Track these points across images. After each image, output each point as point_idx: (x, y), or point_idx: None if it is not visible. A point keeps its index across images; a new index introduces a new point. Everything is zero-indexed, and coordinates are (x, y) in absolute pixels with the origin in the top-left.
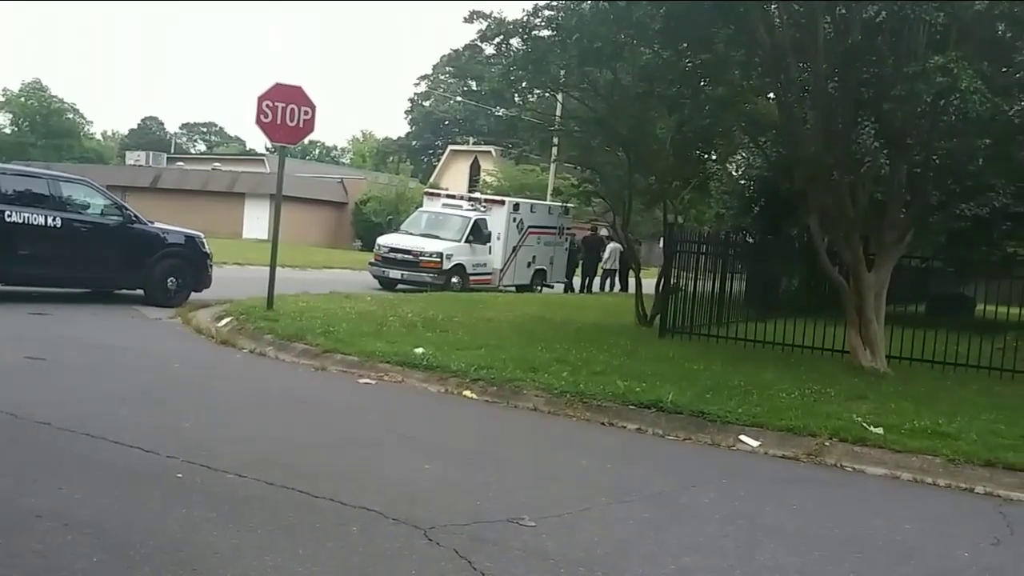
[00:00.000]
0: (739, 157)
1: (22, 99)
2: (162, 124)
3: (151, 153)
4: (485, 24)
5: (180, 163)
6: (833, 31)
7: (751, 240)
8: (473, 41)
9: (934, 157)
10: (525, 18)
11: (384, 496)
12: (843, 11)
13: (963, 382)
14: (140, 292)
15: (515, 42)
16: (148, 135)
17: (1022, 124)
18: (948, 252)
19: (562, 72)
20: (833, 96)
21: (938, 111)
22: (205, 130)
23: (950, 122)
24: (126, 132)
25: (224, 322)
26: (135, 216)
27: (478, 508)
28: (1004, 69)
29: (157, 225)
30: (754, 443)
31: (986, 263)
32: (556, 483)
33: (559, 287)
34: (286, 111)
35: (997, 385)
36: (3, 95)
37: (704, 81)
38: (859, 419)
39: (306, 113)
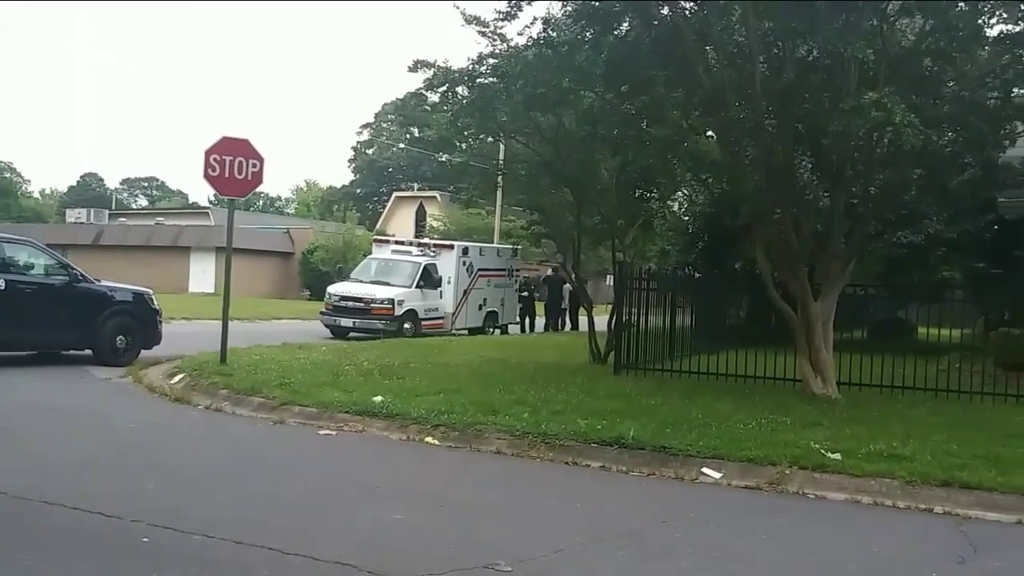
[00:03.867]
0: (680, 195)
1: None
2: (102, 180)
3: (92, 210)
4: (431, 72)
5: (122, 219)
6: (768, 70)
7: (697, 275)
8: (418, 90)
9: (871, 188)
10: (470, 66)
11: (357, 548)
12: (777, 51)
13: (912, 404)
14: (89, 352)
15: (461, 90)
16: (88, 191)
17: (952, 154)
18: (886, 279)
19: (505, 118)
20: (772, 133)
21: (873, 144)
22: (146, 184)
23: (884, 154)
24: (65, 189)
25: (177, 379)
26: (81, 275)
27: (452, 556)
28: (933, 102)
29: (104, 283)
30: (716, 475)
31: (923, 288)
32: (528, 526)
33: (514, 328)
34: (234, 164)
35: (945, 405)
36: None
37: (646, 122)
38: (817, 446)
39: (254, 165)
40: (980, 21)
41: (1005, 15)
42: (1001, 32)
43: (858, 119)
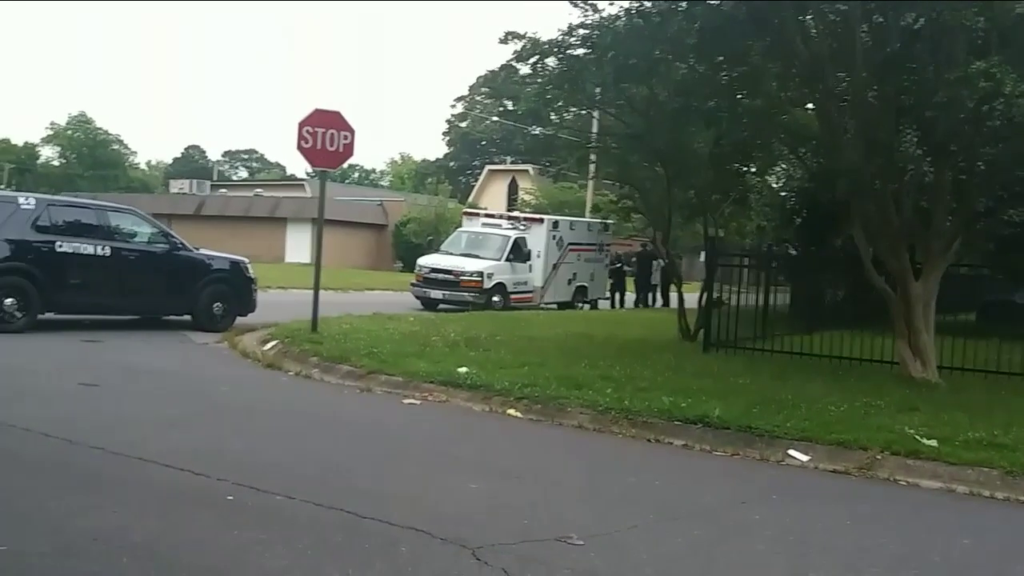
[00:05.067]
0: (778, 169)
1: (69, 132)
2: (204, 152)
3: (194, 181)
4: (520, 44)
5: (223, 190)
6: (871, 40)
7: (794, 252)
8: (509, 61)
9: (979, 163)
10: (560, 37)
11: (432, 516)
12: (880, 19)
13: (1018, 392)
14: (188, 318)
15: (551, 61)
16: (191, 163)
17: None
18: (997, 259)
19: (598, 90)
20: (873, 105)
21: (981, 116)
22: (246, 157)
23: (994, 127)
24: (170, 161)
25: (270, 345)
26: (181, 243)
27: (526, 527)
28: None
29: (203, 252)
30: (804, 458)
31: None
32: (603, 501)
33: (604, 303)
34: (326, 136)
35: None
36: (51, 128)
37: (741, 94)
38: (911, 431)
39: (345, 138)
40: None
41: None
42: None
43: (965, 90)
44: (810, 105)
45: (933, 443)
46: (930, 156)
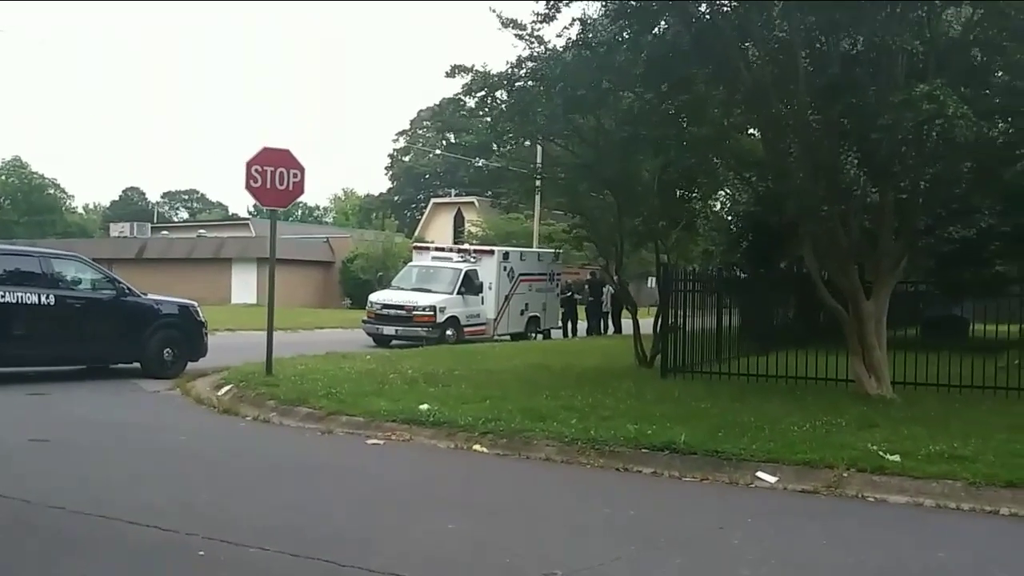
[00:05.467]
0: (723, 194)
1: (2, 177)
2: (143, 194)
3: (135, 224)
4: (469, 77)
5: (164, 232)
6: (812, 65)
7: (743, 275)
8: (456, 95)
9: (921, 182)
10: (509, 70)
11: (412, 559)
12: (821, 45)
13: (970, 403)
14: (137, 365)
15: (500, 94)
16: (130, 206)
17: (1005, 145)
18: (939, 275)
19: (546, 121)
20: (816, 129)
21: (923, 137)
22: (187, 197)
23: (934, 147)
24: (108, 204)
25: (224, 390)
26: (128, 289)
27: (508, 565)
28: (984, 92)
29: (150, 296)
30: (772, 479)
31: (976, 283)
32: (582, 534)
33: (557, 333)
34: (275, 175)
35: (1004, 404)
36: None
37: (687, 121)
38: (874, 448)
39: (295, 176)
40: None
41: None
42: None
43: (909, 112)
44: (754, 131)
45: (896, 458)
46: (873, 177)
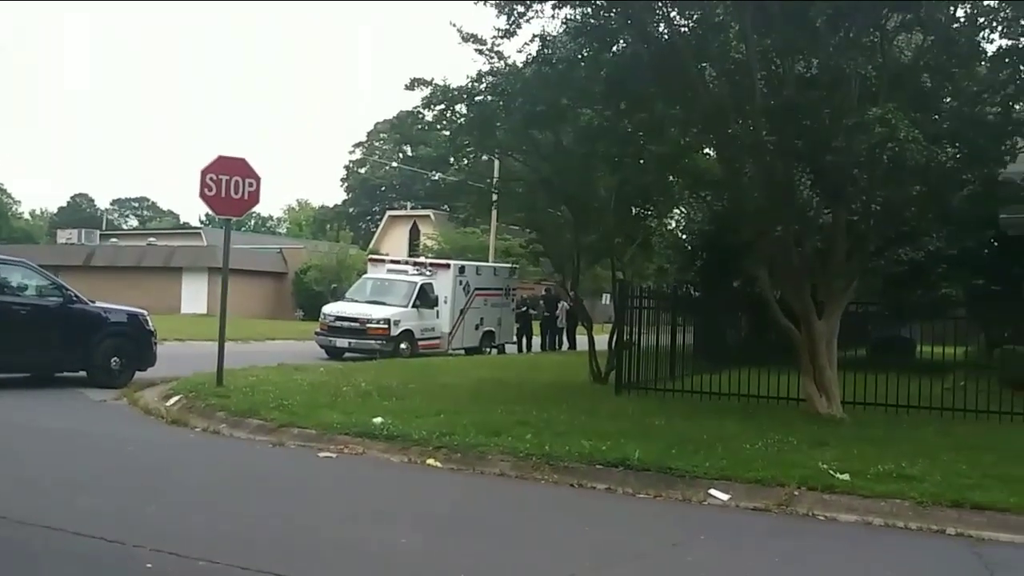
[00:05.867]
0: (678, 212)
1: None
2: (92, 201)
3: (83, 230)
4: (428, 91)
5: (113, 239)
6: (768, 86)
7: (697, 293)
8: (415, 108)
9: (872, 205)
10: (469, 84)
11: (368, 573)
12: (776, 67)
13: (917, 424)
14: (83, 374)
15: (459, 108)
16: (79, 212)
17: (953, 170)
18: (888, 296)
19: (505, 135)
20: (771, 150)
21: (875, 160)
22: (137, 205)
23: (886, 171)
24: (55, 210)
25: (173, 401)
26: (76, 296)
27: None
28: (933, 117)
29: (99, 304)
30: (724, 497)
31: (924, 305)
32: (536, 550)
33: (511, 348)
34: (230, 183)
35: (951, 424)
36: None
37: (645, 139)
38: (825, 466)
39: (251, 185)
40: (979, 36)
41: (1004, 30)
42: (1000, 47)
43: (861, 135)
44: (710, 150)
45: (846, 477)
46: (827, 199)
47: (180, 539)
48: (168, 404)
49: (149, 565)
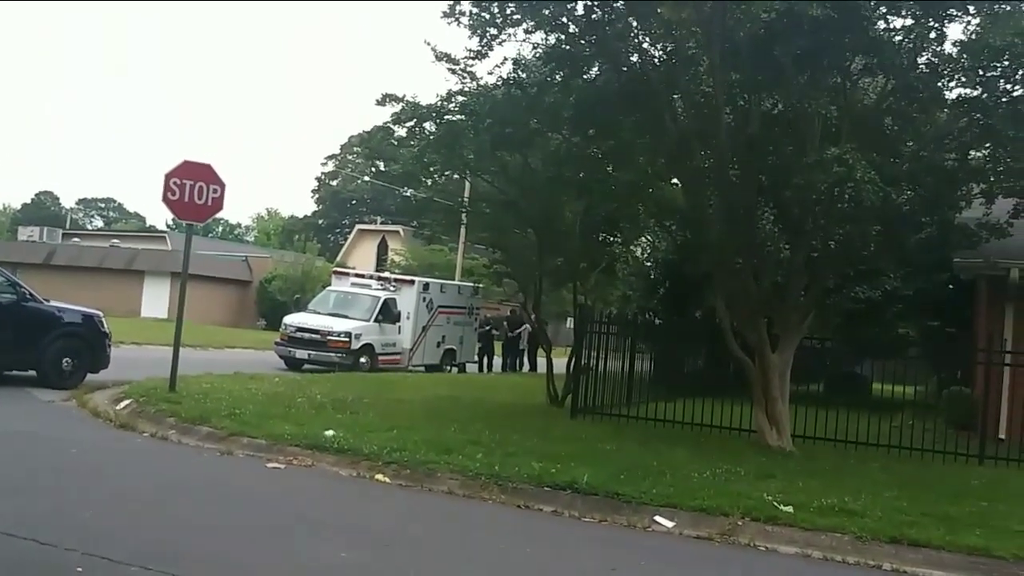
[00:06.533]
0: (643, 240)
1: None
2: (57, 199)
3: (45, 228)
4: (399, 107)
5: (76, 239)
6: (734, 121)
7: (658, 321)
8: (386, 123)
9: (830, 242)
10: (439, 103)
11: None
12: (743, 103)
13: (864, 460)
14: (32, 373)
15: (428, 125)
16: (42, 210)
17: (910, 212)
18: (843, 333)
19: (473, 155)
20: (735, 183)
21: (834, 198)
22: (103, 206)
23: (844, 209)
24: (18, 207)
25: (123, 404)
26: (29, 294)
27: None
28: (893, 160)
29: (53, 304)
30: (669, 524)
31: (879, 344)
32: (476, 569)
33: (472, 367)
34: (194, 189)
35: (896, 462)
36: None
37: (612, 167)
38: (769, 498)
39: (215, 191)
40: (939, 84)
41: (963, 79)
42: (959, 95)
43: (820, 173)
44: (676, 180)
45: (789, 509)
46: (786, 234)
47: (114, 544)
48: (118, 408)
49: (79, 569)
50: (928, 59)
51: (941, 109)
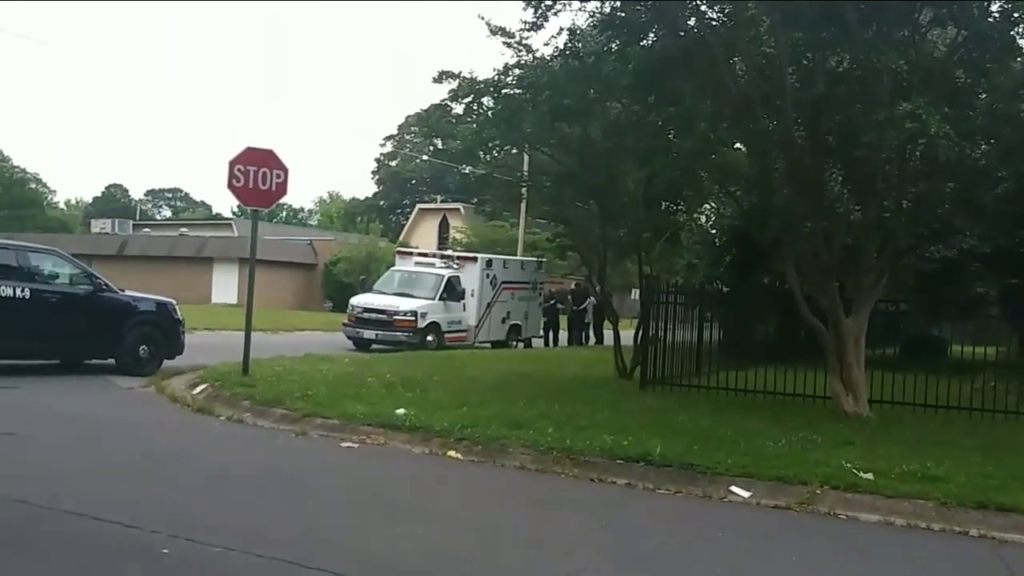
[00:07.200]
0: (708, 208)
1: None
2: (127, 191)
3: (116, 220)
4: (456, 83)
5: (147, 229)
6: (798, 81)
7: (725, 289)
8: (443, 101)
9: (903, 201)
10: (496, 77)
11: (376, 565)
12: (807, 61)
13: (945, 424)
14: (112, 362)
15: (486, 101)
16: (113, 202)
17: (986, 167)
18: (919, 294)
19: (532, 129)
20: (801, 145)
21: (906, 156)
22: (170, 196)
23: (917, 167)
24: (90, 200)
25: (199, 389)
26: (105, 284)
27: (471, 575)
28: (967, 114)
29: (128, 293)
30: (745, 494)
31: (956, 304)
32: (550, 545)
33: (538, 342)
34: (258, 175)
35: (979, 426)
36: None
37: (673, 134)
38: (849, 465)
39: (278, 176)
40: (1013, 32)
41: None
42: None
43: (892, 131)
44: (740, 145)
45: (870, 476)
46: (856, 195)
47: (197, 526)
48: (194, 392)
49: (166, 551)
50: (1000, 6)
51: (1015, 58)
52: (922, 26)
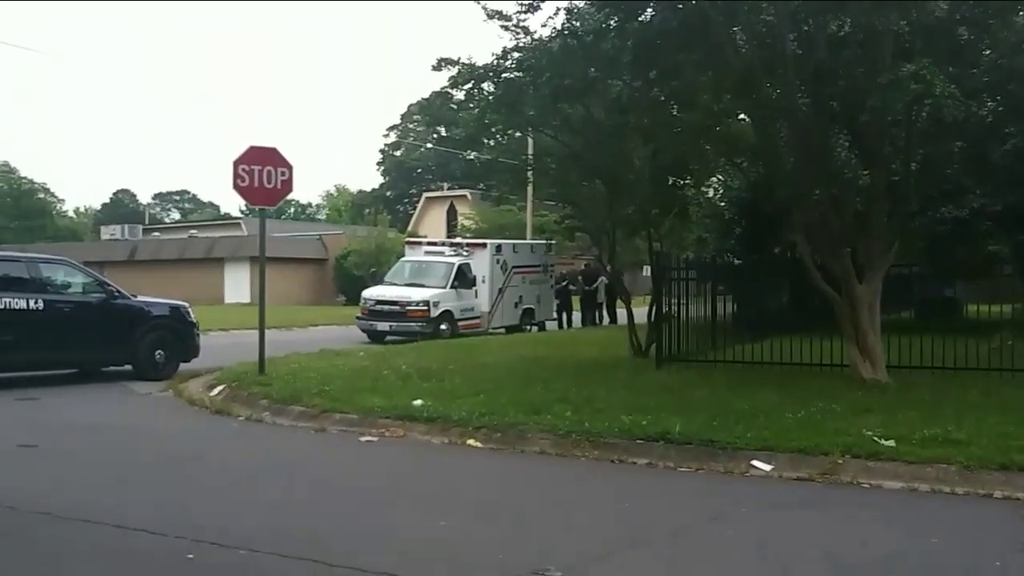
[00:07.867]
0: (715, 180)
1: None
2: (134, 196)
3: (126, 226)
4: (455, 70)
5: (156, 233)
6: (800, 48)
7: (736, 261)
8: (444, 88)
9: (911, 164)
10: (495, 61)
11: (404, 558)
12: (808, 28)
13: (964, 386)
14: (128, 368)
15: (486, 86)
16: (121, 208)
17: (993, 124)
18: (931, 256)
19: (534, 111)
20: (806, 112)
21: (912, 118)
22: (178, 198)
23: (924, 128)
24: (99, 207)
25: (217, 391)
26: (118, 291)
27: (501, 562)
28: (971, 72)
29: (140, 298)
30: (767, 467)
31: (969, 264)
32: (575, 528)
33: (552, 324)
34: (263, 173)
35: (998, 386)
36: None
37: (676, 108)
38: (869, 433)
39: (283, 174)
40: None
41: None
42: None
43: (896, 93)
44: (744, 116)
45: (891, 443)
46: (864, 160)
47: (221, 529)
48: (212, 394)
49: (190, 556)
50: None
51: (1017, 12)
52: None
